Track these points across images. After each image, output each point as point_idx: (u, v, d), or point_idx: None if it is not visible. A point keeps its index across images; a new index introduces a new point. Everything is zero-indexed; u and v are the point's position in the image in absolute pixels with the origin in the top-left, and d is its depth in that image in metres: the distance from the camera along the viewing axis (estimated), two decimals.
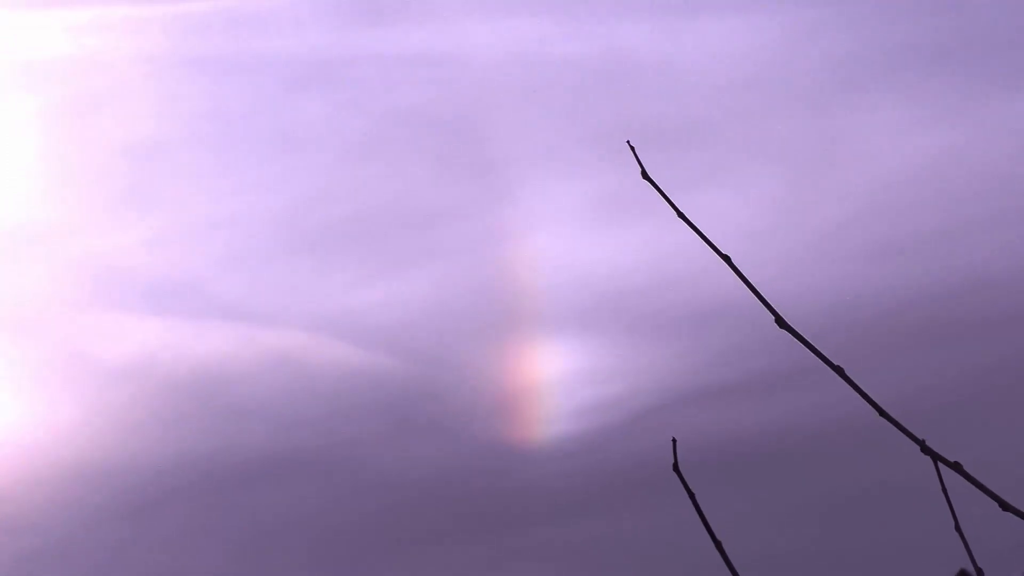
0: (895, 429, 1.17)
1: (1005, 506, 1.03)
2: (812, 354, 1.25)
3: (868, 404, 1.09)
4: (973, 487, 1.32)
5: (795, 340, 1.21)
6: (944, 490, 1.27)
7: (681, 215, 1.10)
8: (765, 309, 1.24)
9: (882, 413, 1.07)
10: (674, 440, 0.98)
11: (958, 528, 1.28)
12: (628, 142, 1.10)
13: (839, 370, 1.07)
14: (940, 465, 1.25)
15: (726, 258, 1.09)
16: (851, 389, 1.21)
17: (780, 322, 1.07)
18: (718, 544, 0.97)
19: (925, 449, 1.04)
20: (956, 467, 1.04)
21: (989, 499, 1.22)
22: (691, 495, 0.98)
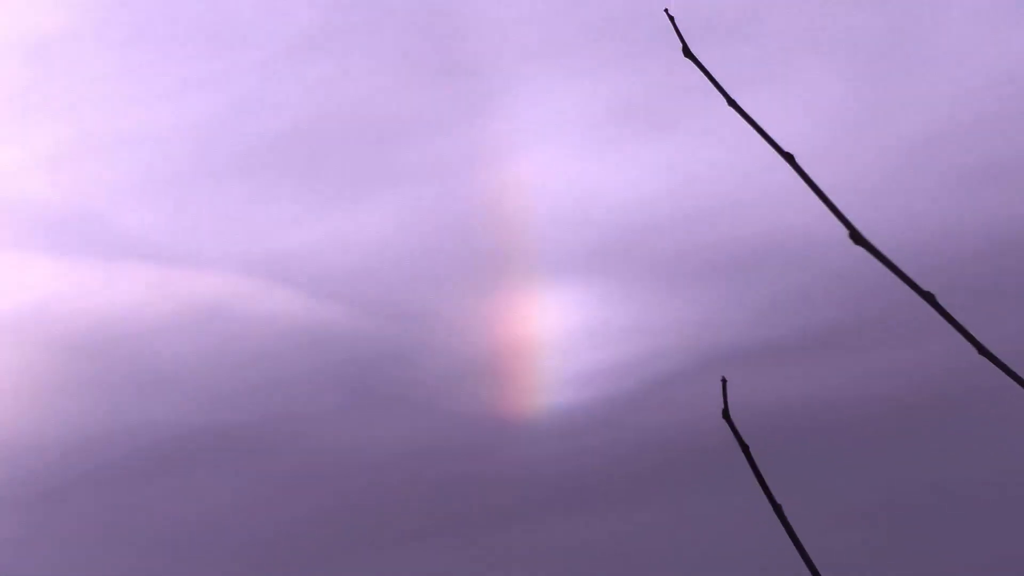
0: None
1: None
2: (892, 281, 1.26)
3: (966, 340, 1.10)
4: None
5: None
6: None
7: (732, 103, 1.11)
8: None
9: (982, 350, 1.09)
10: (724, 381, 1.00)
11: None
12: (666, 10, 1.11)
13: (929, 297, 1.08)
14: None
15: (788, 157, 1.10)
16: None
17: (855, 237, 1.08)
18: (777, 508, 0.99)
19: None
20: None
21: None
22: (744, 447, 0.99)
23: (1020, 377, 1.07)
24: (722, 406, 0.98)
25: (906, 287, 1.21)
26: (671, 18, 1.08)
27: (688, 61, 1.21)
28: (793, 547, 1.02)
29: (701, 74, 1.29)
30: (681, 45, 1.08)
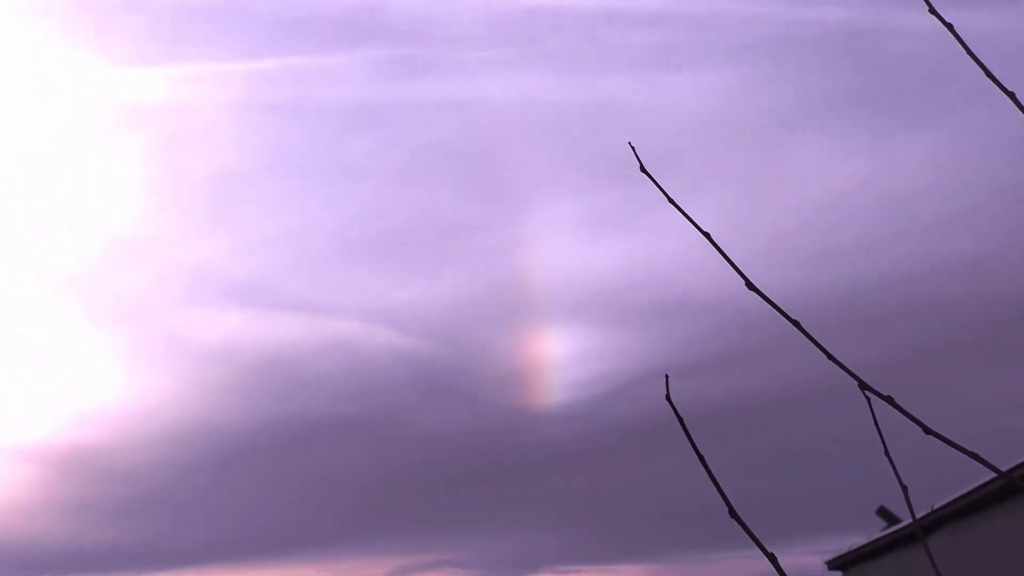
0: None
1: (928, 431, 1.04)
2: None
3: (821, 353, 1.10)
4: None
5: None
6: (876, 422, 1.28)
7: (671, 201, 1.11)
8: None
9: (830, 357, 1.08)
10: (667, 376, 0.99)
11: (887, 453, 1.29)
12: (629, 143, 1.11)
13: (796, 323, 1.08)
14: (874, 402, 1.26)
15: (707, 235, 1.10)
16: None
17: (749, 285, 1.08)
18: (701, 458, 0.98)
19: (863, 385, 1.05)
20: (889, 400, 1.04)
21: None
22: (680, 420, 0.99)
23: (855, 375, 1.07)
24: (666, 392, 0.97)
25: (784, 320, 1.20)
26: (632, 148, 1.09)
27: (643, 177, 1.22)
28: (713, 487, 1.01)
29: (650, 191, 1.29)
30: (639, 165, 1.09)
